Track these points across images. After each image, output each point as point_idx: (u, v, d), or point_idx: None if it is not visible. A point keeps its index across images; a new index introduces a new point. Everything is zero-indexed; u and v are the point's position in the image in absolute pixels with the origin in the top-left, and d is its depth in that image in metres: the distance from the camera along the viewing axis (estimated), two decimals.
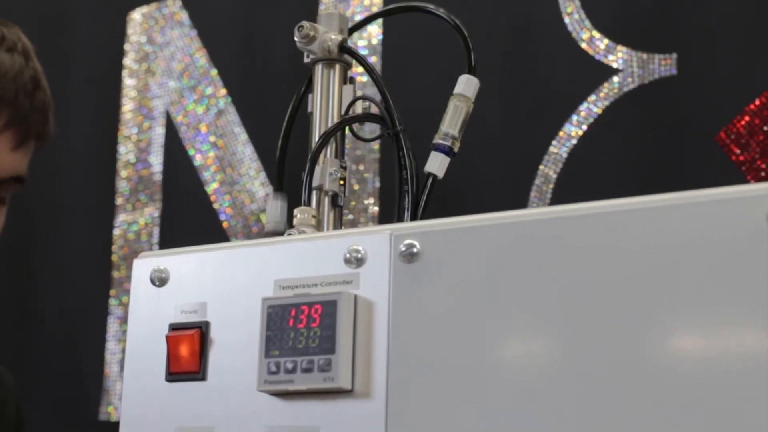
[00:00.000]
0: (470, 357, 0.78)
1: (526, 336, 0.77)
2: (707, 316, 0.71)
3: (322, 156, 1.05)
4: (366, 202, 1.74)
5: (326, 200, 1.04)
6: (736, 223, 0.72)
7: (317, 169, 1.04)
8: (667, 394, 0.71)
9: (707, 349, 0.71)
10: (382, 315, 0.82)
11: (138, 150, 2.02)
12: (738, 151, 1.52)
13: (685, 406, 0.71)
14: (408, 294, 0.81)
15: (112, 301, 1.97)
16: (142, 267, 0.95)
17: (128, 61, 2.08)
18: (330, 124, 1.07)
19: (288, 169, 1.12)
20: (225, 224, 1.89)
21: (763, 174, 1.49)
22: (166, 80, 2.02)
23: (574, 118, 1.63)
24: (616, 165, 1.59)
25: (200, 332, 0.89)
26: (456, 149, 1.03)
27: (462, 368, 0.78)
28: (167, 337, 0.90)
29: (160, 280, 0.93)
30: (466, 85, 1.05)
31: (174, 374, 0.90)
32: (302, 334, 0.83)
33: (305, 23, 1.08)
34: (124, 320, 1.94)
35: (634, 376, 0.73)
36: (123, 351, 1.87)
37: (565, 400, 0.74)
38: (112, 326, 1.95)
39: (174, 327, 0.91)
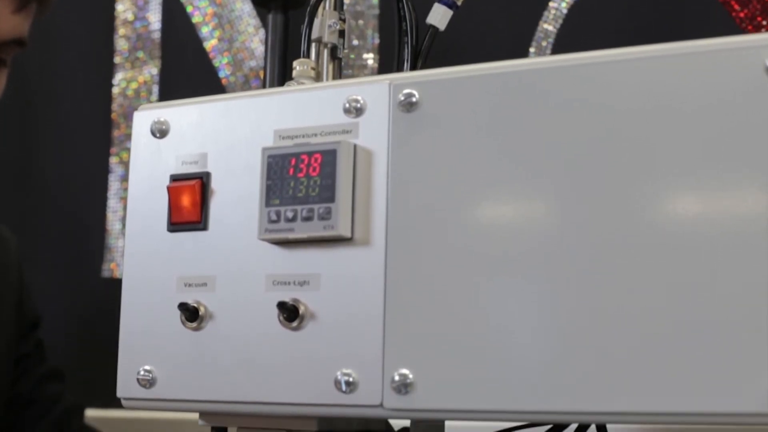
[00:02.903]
0: (467, 205, 0.79)
1: (523, 187, 0.78)
2: (703, 170, 0.72)
3: (320, 8, 1.04)
4: (365, 56, 1.74)
5: (325, 52, 1.03)
6: (733, 74, 0.72)
7: (316, 21, 1.03)
8: (665, 254, 0.72)
9: (703, 206, 0.71)
10: (381, 164, 0.83)
11: (136, 8, 2.00)
12: (738, 8, 1.51)
13: (683, 268, 0.71)
14: (407, 143, 0.82)
15: (113, 159, 1.97)
16: (143, 119, 0.95)
17: None
18: None
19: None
20: (224, 81, 1.88)
21: (763, 31, 1.49)
22: None
23: None
24: (616, 22, 1.58)
25: (201, 182, 0.90)
26: (459, 3, 1.02)
27: (459, 216, 0.79)
28: (168, 188, 0.91)
29: (160, 131, 0.93)
30: None
31: (175, 224, 0.91)
32: (302, 183, 0.84)
33: None
34: (124, 178, 1.94)
35: (630, 231, 0.73)
36: (124, 208, 1.88)
37: (562, 256, 0.75)
38: (113, 184, 1.96)
39: (175, 178, 0.92)
